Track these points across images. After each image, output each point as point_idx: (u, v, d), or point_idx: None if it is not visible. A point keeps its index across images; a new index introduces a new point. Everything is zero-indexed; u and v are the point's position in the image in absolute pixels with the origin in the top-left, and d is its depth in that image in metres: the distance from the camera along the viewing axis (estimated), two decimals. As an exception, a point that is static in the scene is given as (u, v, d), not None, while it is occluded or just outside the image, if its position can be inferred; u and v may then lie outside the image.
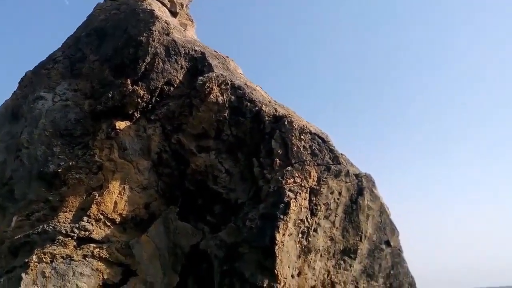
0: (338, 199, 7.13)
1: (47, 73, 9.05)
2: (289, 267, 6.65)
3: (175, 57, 8.53)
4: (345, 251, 7.06)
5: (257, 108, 7.90)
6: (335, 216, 7.08)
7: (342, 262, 7.00)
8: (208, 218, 7.59)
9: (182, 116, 8.10)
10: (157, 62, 8.34)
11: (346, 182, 7.24)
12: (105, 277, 6.78)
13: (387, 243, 7.45)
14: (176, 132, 8.03)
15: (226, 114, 7.96)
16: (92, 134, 8.02)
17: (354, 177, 7.36)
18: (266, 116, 7.78)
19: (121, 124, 7.94)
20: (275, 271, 6.49)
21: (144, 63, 8.33)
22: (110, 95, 8.14)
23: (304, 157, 7.30)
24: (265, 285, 6.47)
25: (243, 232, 7.00)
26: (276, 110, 7.94)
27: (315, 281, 6.81)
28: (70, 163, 7.59)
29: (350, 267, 7.01)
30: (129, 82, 8.14)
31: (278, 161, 7.31)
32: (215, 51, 9.31)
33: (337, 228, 7.05)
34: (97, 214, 7.15)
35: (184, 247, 7.24)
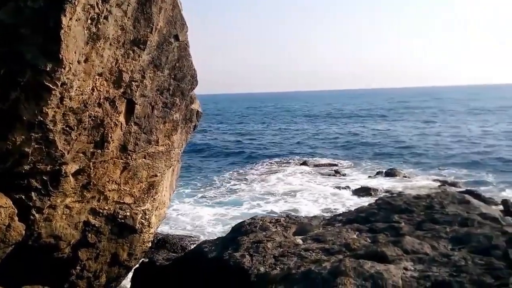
0: (132, -13, 6.88)
1: None
2: (75, 53, 6.58)
3: None
4: (135, 41, 7.16)
5: None
6: (128, 6, 6.89)
7: (131, 52, 7.17)
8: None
9: None
10: None
11: (143, -30, 6.92)
12: None
13: (176, 37, 7.75)
14: None
15: None
16: None
17: (151, -35, 7.04)
18: None
19: None
20: (60, 56, 6.39)
21: None
22: None
23: None
24: (48, 69, 6.40)
25: (25, 13, 6.44)
26: None
27: (102, 68, 6.96)
28: None
29: (139, 57, 7.26)
30: None
31: None
32: None
33: (129, 18, 6.97)
34: None
35: None
